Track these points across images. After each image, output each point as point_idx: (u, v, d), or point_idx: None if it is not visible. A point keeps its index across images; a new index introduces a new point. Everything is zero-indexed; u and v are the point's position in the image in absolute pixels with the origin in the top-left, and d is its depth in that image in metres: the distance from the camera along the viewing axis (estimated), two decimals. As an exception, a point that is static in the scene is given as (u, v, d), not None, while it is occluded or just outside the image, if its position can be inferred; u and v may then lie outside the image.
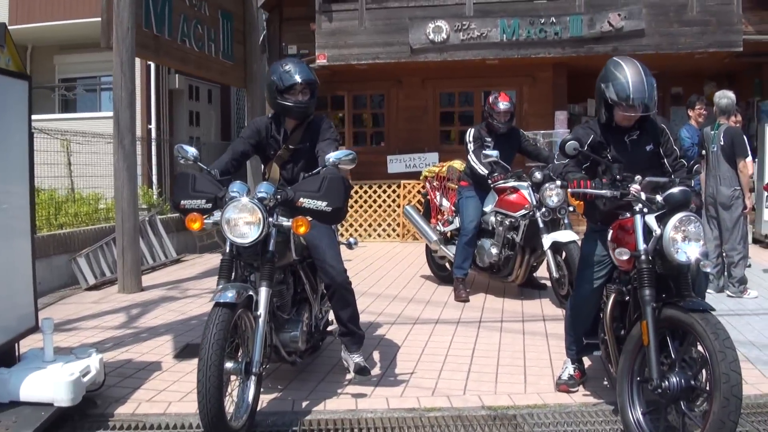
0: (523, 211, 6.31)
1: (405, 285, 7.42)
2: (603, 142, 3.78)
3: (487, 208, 6.79)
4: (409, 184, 11.16)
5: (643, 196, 3.40)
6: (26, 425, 3.31)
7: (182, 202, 3.70)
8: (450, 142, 12.40)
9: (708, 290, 6.61)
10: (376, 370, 4.45)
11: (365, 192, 11.50)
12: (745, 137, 6.59)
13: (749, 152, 6.59)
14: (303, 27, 11.55)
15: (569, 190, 3.53)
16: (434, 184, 7.86)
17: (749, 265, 6.92)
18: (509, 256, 6.51)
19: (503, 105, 6.68)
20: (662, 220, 3.27)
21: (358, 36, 10.80)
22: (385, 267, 8.65)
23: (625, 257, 3.31)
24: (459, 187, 7.13)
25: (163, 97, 11.65)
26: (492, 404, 3.86)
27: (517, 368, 4.51)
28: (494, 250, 6.58)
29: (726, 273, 6.56)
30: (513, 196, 6.46)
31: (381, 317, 5.90)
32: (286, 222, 3.56)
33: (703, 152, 6.74)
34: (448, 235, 7.29)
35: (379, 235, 11.48)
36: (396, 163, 11.78)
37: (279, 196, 3.61)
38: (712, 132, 6.64)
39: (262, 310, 3.45)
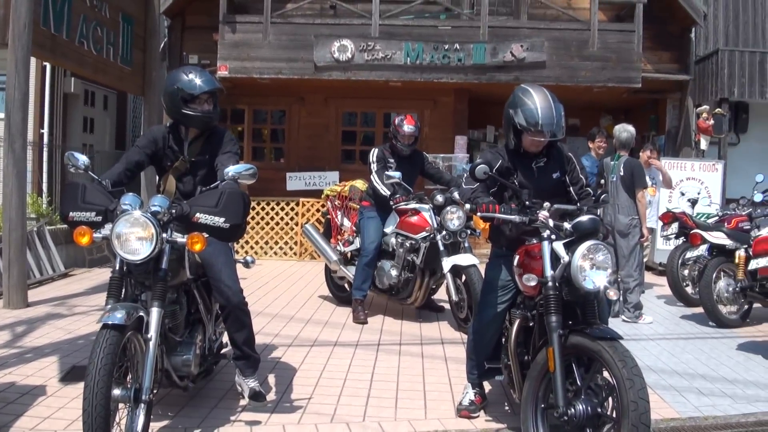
0: (423, 234, 6.29)
1: (302, 305, 7.25)
2: (510, 168, 3.80)
3: (388, 230, 6.74)
4: (308, 202, 11.02)
5: (551, 222, 3.42)
6: None
7: (71, 214, 3.43)
8: (351, 161, 12.35)
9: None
10: (271, 395, 4.28)
11: (263, 209, 11.25)
12: (643, 169, 6.87)
13: (647, 183, 6.89)
14: (205, 36, 11.26)
15: (478, 214, 3.50)
16: (336, 203, 7.75)
17: (644, 292, 7.18)
18: (409, 279, 6.47)
19: (408, 128, 6.68)
20: (570, 248, 3.28)
21: (262, 49, 10.61)
22: (281, 286, 8.44)
23: (533, 283, 3.30)
24: (361, 207, 7.05)
25: (58, 100, 11.01)
26: (391, 431, 3.76)
27: (417, 393, 4.45)
28: (394, 272, 6.53)
29: (621, 299, 6.76)
30: (414, 218, 6.44)
31: (277, 339, 5.72)
32: (180, 238, 3.36)
33: (602, 182, 6.97)
34: (349, 255, 7.19)
35: (275, 253, 11.24)
36: (295, 181, 11.62)
37: (174, 211, 3.40)
38: (612, 162, 6.88)
39: (153, 333, 3.22)
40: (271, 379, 4.64)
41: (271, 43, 10.60)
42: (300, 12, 11.21)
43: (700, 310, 6.91)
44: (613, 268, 3.28)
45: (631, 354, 3.03)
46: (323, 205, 8.26)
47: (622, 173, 6.69)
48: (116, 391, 3.05)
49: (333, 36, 10.46)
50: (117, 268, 3.38)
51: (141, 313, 3.20)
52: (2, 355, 5.02)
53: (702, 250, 7.07)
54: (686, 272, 7.34)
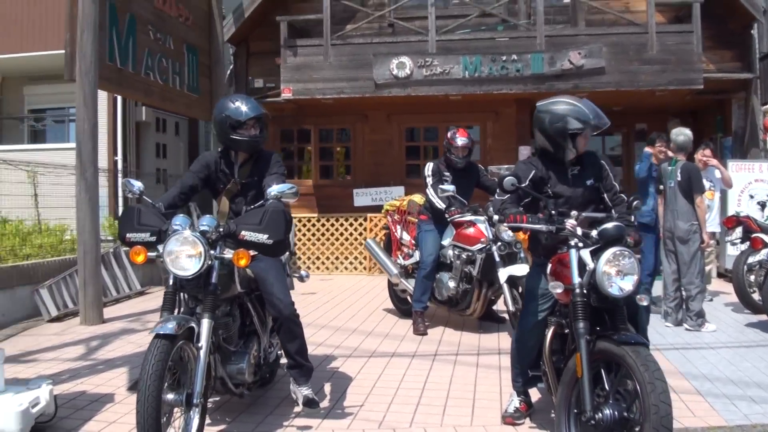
0: (479, 245, 6.37)
1: (366, 318, 7.43)
2: (544, 177, 3.88)
3: (446, 242, 6.86)
4: (375, 217, 11.22)
5: (579, 230, 3.48)
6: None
7: (128, 235, 3.72)
8: (416, 176, 12.49)
9: (666, 323, 6.74)
10: (325, 403, 4.46)
11: (332, 225, 11.54)
12: (700, 173, 6.75)
13: (705, 188, 6.75)
14: (269, 61, 11.67)
15: (505, 224, 3.60)
16: (395, 217, 7.91)
17: (710, 299, 7.01)
18: (467, 290, 6.55)
19: (461, 140, 6.80)
20: (596, 255, 3.34)
21: (323, 71, 10.92)
22: (348, 300, 8.65)
23: (559, 290, 3.37)
24: (419, 220, 7.19)
25: (130, 129, 11.63)
26: (437, 436, 3.88)
27: (467, 401, 4.53)
28: (452, 284, 6.63)
29: (684, 306, 6.65)
30: (470, 230, 6.53)
31: (338, 350, 5.91)
32: (227, 255, 3.59)
33: (661, 187, 6.89)
34: (409, 268, 7.33)
35: (345, 268, 11.49)
36: (362, 197, 11.85)
37: (221, 229, 3.64)
38: (670, 168, 6.78)
39: (203, 342, 3.45)
40: (327, 387, 4.82)
41: (332, 64, 10.90)
42: (359, 32, 11.49)
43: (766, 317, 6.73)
44: (638, 274, 3.31)
45: (654, 359, 3.07)
46: (385, 220, 8.44)
47: (679, 178, 6.58)
48: (169, 396, 3.30)
49: (391, 54, 10.67)
50: (171, 283, 3.65)
51: (192, 324, 3.44)
52: (75, 366, 5.40)
53: (764, 254, 6.85)
54: (752, 278, 7.09)
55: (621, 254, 3.27)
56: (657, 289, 7.18)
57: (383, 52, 10.77)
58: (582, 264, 3.38)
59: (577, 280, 3.35)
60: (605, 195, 3.95)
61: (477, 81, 10.52)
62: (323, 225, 11.61)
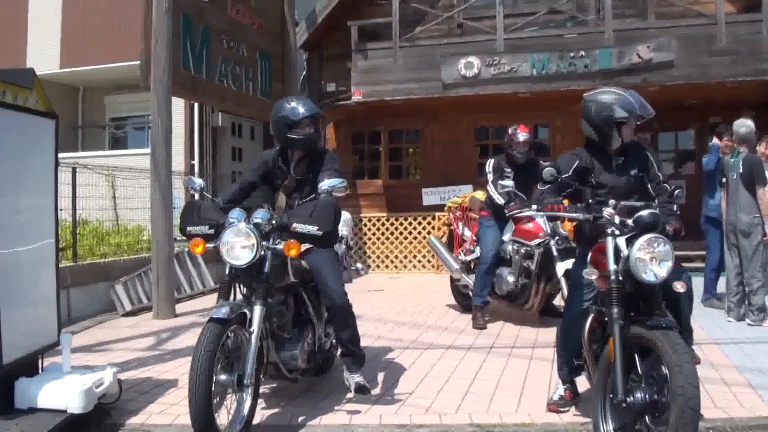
0: (538, 240, 6.44)
1: (428, 313, 7.59)
2: (588, 167, 3.96)
3: (506, 237, 6.94)
4: (443, 216, 11.30)
5: (617, 219, 3.55)
6: (40, 429, 3.61)
7: (188, 228, 4.03)
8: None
9: (729, 318, 6.62)
10: (376, 390, 4.63)
11: (401, 224, 11.75)
12: (763, 164, 6.60)
13: (767, 179, 6.60)
14: (341, 65, 11.93)
15: (542, 213, 3.70)
16: (457, 214, 8.05)
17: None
18: (526, 284, 6.63)
19: (522, 136, 6.89)
20: (632, 242, 3.41)
21: (392, 73, 11.11)
22: (413, 297, 8.83)
23: (593, 277, 3.46)
24: (480, 216, 7.30)
25: (207, 133, 12.18)
26: (480, 422, 4.00)
27: (515, 391, 4.63)
28: (511, 279, 6.72)
29: (746, 301, 6.52)
30: (529, 225, 6.60)
31: (396, 343, 6.09)
32: (279, 246, 3.82)
33: (723, 180, 6.78)
34: (471, 264, 7.44)
35: (414, 266, 11.68)
36: (431, 196, 12.00)
37: (274, 222, 3.88)
38: (732, 160, 6.67)
39: (255, 327, 3.70)
40: (380, 376, 5.00)
41: (401, 66, 11.08)
42: (427, 34, 11.63)
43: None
44: (673, 260, 3.35)
45: (683, 342, 3.11)
46: (448, 217, 8.58)
47: (741, 170, 6.47)
48: (222, 377, 3.57)
49: (459, 54, 10.77)
50: (227, 273, 3.92)
51: (244, 310, 3.70)
52: (144, 356, 5.78)
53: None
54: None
55: (655, 240, 3.32)
56: (722, 285, 7.06)
57: (451, 53, 10.88)
58: (618, 251, 3.45)
59: (612, 267, 3.42)
60: (649, 185, 4.00)
61: (545, 78, 10.50)
62: (392, 224, 11.84)
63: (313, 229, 3.83)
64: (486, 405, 4.34)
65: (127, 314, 7.73)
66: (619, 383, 3.21)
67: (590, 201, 3.69)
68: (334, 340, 4.73)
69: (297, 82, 11.85)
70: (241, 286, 4.00)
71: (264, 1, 10.57)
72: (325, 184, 4.06)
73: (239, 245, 3.76)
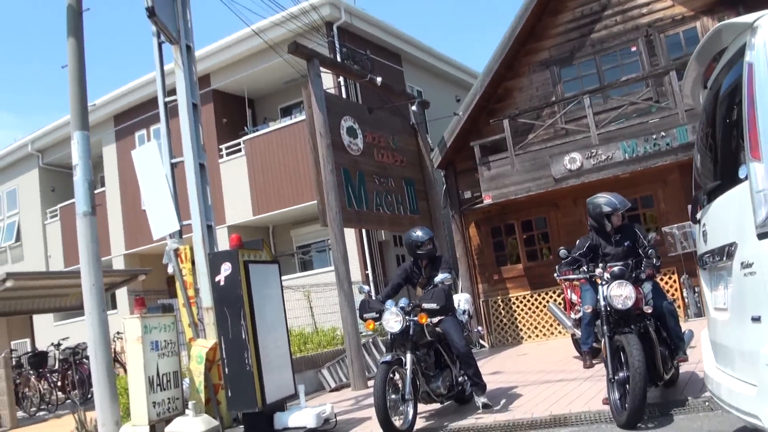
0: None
1: (555, 363, 9.86)
2: (597, 244, 6.39)
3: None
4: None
5: (605, 275, 5.94)
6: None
7: (364, 315, 6.88)
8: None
9: None
10: (498, 407, 7.07)
11: (542, 298, 14.04)
12: None
13: None
14: (471, 175, 14.72)
15: (560, 277, 6.16)
16: (566, 283, 10.35)
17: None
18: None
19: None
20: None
21: (512, 176, 13.72)
22: (549, 355, 11.11)
23: (589, 309, 5.86)
24: (580, 284, 9.57)
25: (375, 248, 15.30)
26: (555, 413, 6.35)
27: (597, 401, 6.84)
28: (605, 327, 8.91)
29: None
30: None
31: (521, 380, 8.46)
32: (416, 318, 6.53)
33: None
34: (579, 321, 9.69)
35: (552, 334, 13.86)
36: (562, 271, 14.20)
37: (412, 304, 6.62)
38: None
39: (408, 365, 6.39)
40: (503, 399, 7.43)
41: (518, 170, 13.67)
42: (537, 138, 14.22)
43: None
44: (636, 294, 5.67)
45: (636, 339, 5.39)
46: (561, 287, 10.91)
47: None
48: (392, 396, 6.25)
49: (563, 152, 13.21)
50: (389, 338, 6.67)
51: (401, 357, 6.41)
52: (348, 407, 8.61)
53: None
54: None
55: (620, 284, 5.68)
56: None
57: (556, 153, 13.35)
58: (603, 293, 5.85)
59: (602, 302, 5.80)
60: (640, 250, 6.34)
61: (636, 160, 12.67)
62: (535, 300, 14.15)
63: (433, 305, 6.54)
64: (568, 408, 6.62)
65: (332, 390, 10.63)
66: (609, 369, 5.54)
67: (584, 267, 6.13)
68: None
69: (439, 196, 14.73)
70: (398, 345, 6.71)
71: (402, 140, 13.70)
72: (438, 278, 6.77)
73: (393, 320, 6.52)
